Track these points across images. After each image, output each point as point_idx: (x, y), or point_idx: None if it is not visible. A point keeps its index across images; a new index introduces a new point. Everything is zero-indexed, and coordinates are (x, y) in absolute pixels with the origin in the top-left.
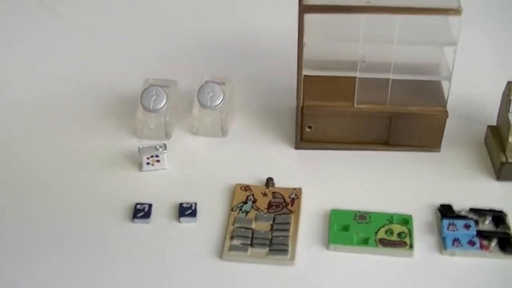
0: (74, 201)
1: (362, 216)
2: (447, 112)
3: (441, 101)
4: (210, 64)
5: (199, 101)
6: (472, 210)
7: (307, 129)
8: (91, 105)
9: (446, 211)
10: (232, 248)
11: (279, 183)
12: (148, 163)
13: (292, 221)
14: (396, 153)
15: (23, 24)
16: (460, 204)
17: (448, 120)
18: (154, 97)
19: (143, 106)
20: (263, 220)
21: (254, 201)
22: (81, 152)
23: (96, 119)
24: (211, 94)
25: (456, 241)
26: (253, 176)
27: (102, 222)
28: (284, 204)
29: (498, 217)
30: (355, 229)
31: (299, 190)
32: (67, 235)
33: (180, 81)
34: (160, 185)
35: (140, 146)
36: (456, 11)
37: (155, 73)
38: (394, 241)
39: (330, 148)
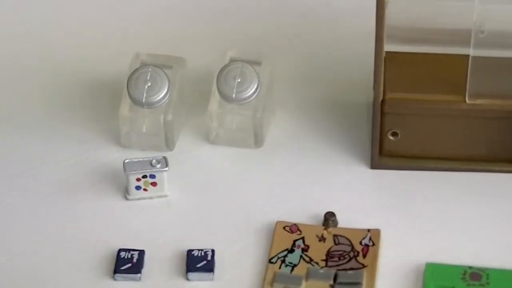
0: (25, 245)
1: (475, 275)
2: None
3: None
4: (237, 32)
5: (219, 91)
6: None
7: (391, 137)
8: (51, 97)
9: None
10: None
11: (344, 221)
12: (138, 188)
13: (365, 281)
14: None
15: None
16: None
17: None
18: (149, 84)
19: (131, 97)
20: (319, 278)
21: (305, 249)
22: (36, 169)
23: (59, 118)
24: (238, 80)
25: None
26: (304, 210)
27: (67, 277)
28: (352, 254)
29: None
30: None
31: (376, 232)
32: None
33: (190, 59)
34: (158, 222)
35: (126, 161)
36: None
37: (151, 45)
38: None
39: (426, 167)
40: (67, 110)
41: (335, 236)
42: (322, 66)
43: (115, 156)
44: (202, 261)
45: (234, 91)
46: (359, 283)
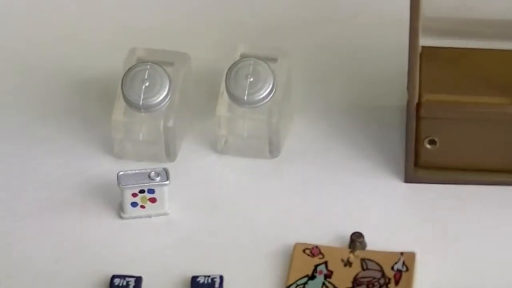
0: (5, 271)
1: None
2: None
3: None
4: (248, 23)
5: (229, 92)
6: None
7: (428, 146)
8: (32, 99)
9: None
10: None
11: (373, 243)
12: (135, 204)
13: None
14: None
15: None
16: None
17: None
18: (147, 84)
19: (126, 99)
20: None
21: (329, 275)
22: (15, 183)
23: (42, 123)
24: (251, 80)
25: None
26: (327, 230)
27: None
28: (382, 280)
29: None
30: None
31: (411, 256)
32: None
33: (194, 54)
34: (157, 244)
35: (121, 173)
36: None
37: (149, 39)
38: None
39: (468, 180)
40: (51, 114)
41: (363, 260)
42: (347, 62)
43: (108, 167)
44: None
45: (246, 92)
46: None
